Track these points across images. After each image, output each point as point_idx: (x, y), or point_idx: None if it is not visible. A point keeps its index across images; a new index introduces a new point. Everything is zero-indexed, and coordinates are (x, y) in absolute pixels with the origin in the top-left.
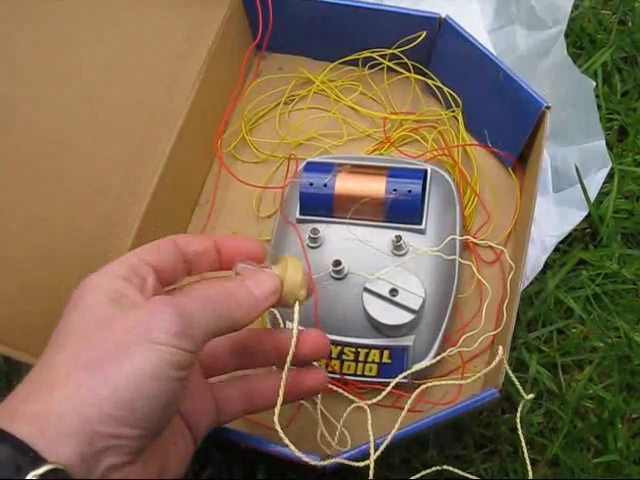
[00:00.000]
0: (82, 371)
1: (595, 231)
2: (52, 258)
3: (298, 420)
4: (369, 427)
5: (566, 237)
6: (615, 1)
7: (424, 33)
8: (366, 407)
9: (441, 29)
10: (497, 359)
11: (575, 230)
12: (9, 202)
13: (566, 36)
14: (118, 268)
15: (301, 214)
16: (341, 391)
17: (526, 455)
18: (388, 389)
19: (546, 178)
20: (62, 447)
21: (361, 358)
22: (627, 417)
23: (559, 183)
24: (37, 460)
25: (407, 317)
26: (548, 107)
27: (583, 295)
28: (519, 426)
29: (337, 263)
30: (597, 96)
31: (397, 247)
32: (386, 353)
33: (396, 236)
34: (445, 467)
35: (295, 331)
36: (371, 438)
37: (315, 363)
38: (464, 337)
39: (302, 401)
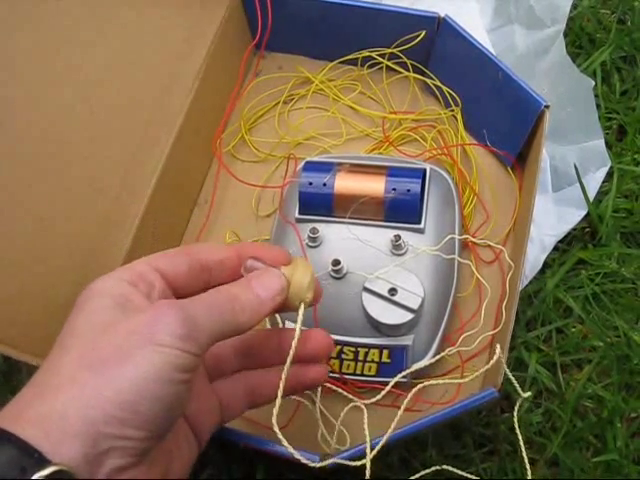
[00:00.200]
0: (86, 373)
1: (594, 230)
2: (51, 258)
3: (297, 419)
4: (365, 427)
5: (565, 236)
6: (614, 0)
7: (423, 32)
8: (363, 406)
9: (440, 28)
10: (495, 357)
11: (574, 229)
12: (8, 202)
13: (565, 35)
14: (125, 273)
15: (300, 213)
16: (340, 390)
17: (524, 454)
18: (387, 388)
19: (545, 177)
20: (66, 448)
21: (360, 357)
22: (626, 416)
23: (558, 182)
24: (42, 461)
25: (406, 316)
26: (547, 106)
27: (582, 294)
28: (517, 425)
29: (336, 262)
30: (596, 95)
31: (396, 246)
32: (385, 352)
33: (395, 235)
34: (444, 467)
35: (297, 332)
36: (367, 438)
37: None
38: (463, 336)
39: (302, 400)
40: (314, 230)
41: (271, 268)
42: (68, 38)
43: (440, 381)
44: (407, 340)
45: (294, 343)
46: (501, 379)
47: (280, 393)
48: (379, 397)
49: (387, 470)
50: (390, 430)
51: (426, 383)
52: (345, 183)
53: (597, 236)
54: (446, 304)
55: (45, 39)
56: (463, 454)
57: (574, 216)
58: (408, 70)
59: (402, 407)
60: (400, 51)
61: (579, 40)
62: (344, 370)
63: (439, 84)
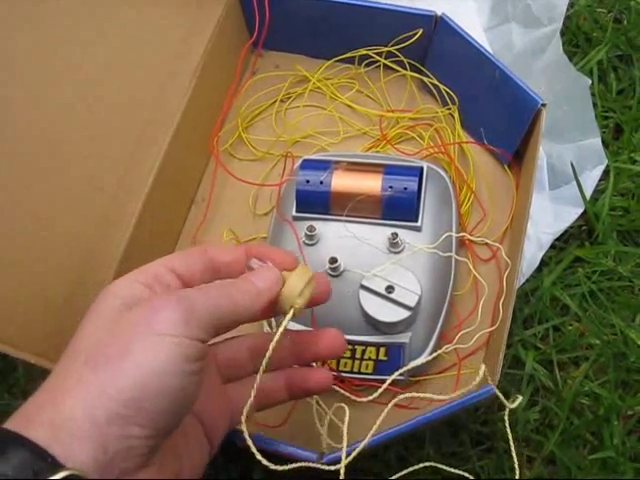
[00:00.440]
0: (90, 373)
1: (591, 228)
2: (49, 256)
3: (295, 417)
4: (345, 428)
5: (562, 234)
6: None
7: (420, 31)
8: (346, 408)
9: (437, 27)
10: (479, 378)
11: (571, 227)
12: (6, 201)
13: (562, 34)
14: (139, 275)
15: (297, 211)
16: (337, 388)
17: (514, 454)
18: (384, 386)
19: (542, 175)
20: (77, 452)
21: (357, 355)
22: (623, 414)
23: (555, 180)
24: (55, 465)
25: (403, 314)
26: (544, 105)
27: (579, 292)
28: (509, 430)
29: (333, 260)
30: (593, 94)
31: (393, 244)
32: (382, 350)
33: (392, 233)
34: (433, 464)
35: (277, 337)
36: (344, 442)
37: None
38: (460, 334)
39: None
40: (311, 228)
41: (270, 265)
42: (67, 38)
43: (433, 385)
44: (404, 338)
45: (271, 346)
46: (498, 377)
47: (254, 392)
48: (376, 395)
49: (384, 467)
50: (372, 431)
51: (417, 381)
52: (342, 181)
53: (594, 234)
54: (443, 302)
55: (44, 38)
56: (460, 452)
57: (571, 214)
58: (405, 68)
59: (390, 404)
60: (397, 49)
61: (576, 39)
62: (341, 368)
63: (436, 82)
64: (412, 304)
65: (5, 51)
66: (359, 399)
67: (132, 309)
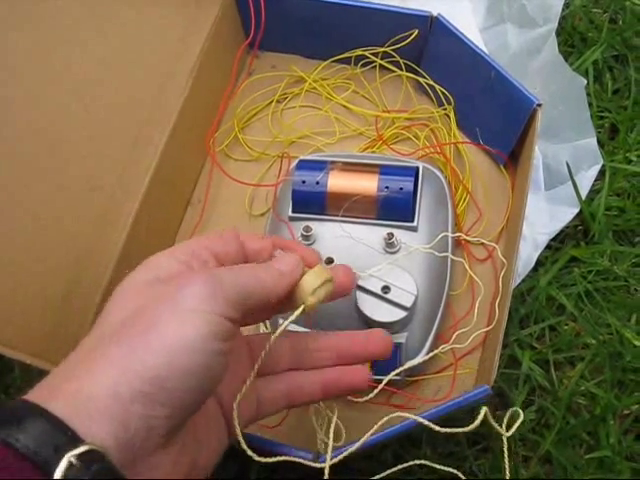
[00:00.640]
0: (115, 348)
1: (587, 228)
2: (45, 256)
3: (293, 418)
4: (331, 430)
5: (558, 234)
6: (606, 0)
7: (416, 31)
8: (330, 413)
9: (433, 27)
10: (477, 422)
11: (567, 227)
12: (4, 201)
13: (557, 34)
14: (178, 251)
15: (294, 212)
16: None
17: (506, 460)
18: (380, 387)
19: (538, 176)
20: (97, 428)
21: None
22: (619, 413)
23: (551, 181)
24: (75, 440)
25: (399, 314)
26: (539, 105)
27: (575, 292)
28: (505, 441)
29: (329, 260)
30: (588, 94)
31: (389, 244)
32: None
33: (388, 233)
34: (422, 462)
35: (278, 333)
36: (330, 441)
37: None
38: (456, 334)
39: None
40: (307, 228)
41: (292, 253)
42: (66, 37)
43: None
44: (400, 338)
45: (273, 337)
46: (494, 376)
47: (245, 388)
48: (372, 395)
49: (380, 467)
50: (367, 434)
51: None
52: (338, 181)
53: (589, 234)
54: (439, 302)
55: (43, 38)
56: (457, 451)
57: (566, 214)
58: (401, 69)
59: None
60: (393, 50)
61: (571, 39)
62: None
63: (432, 83)
64: (408, 304)
65: (4, 51)
66: (355, 399)
67: (165, 282)
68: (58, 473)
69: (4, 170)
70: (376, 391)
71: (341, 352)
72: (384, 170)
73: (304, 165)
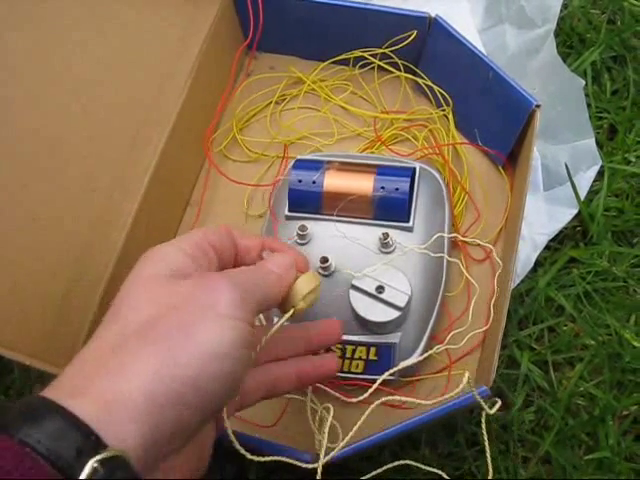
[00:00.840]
0: (149, 348)
1: (585, 229)
2: (44, 257)
3: (288, 416)
4: (325, 430)
5: (557, 235)
6: (604, 0)
7: (414, 32)
8: (324, 411)
9: (431, 28)
10: (461, 386)
11: (565, 228)
12: (3, 201)
13: (556, 35)
14: (183, 242)
15: (290, 211)
16: (327, 389)
17: (488, 456)
18: (374, 387)
19: (536, 176)
20: (126, 429)
21: (348, 354)
22: (618, 414)
23: (549, 181)
24: (98, 444)
25: (393, 314)
26: (538, 106)
27: (574, 293)
28: (486, 438)
29: (324, 260)
30: (587, 95)
31: (384, 244)
32: (372, 350)
33: (383, 233)
34: (408, 462)
35: (273, 330)
36: (324, 441)
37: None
38: (451, 334)
39: (292, 396)
40: (303, 227)
41: (284, 255)
42: (66, 37)
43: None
44: (394, 338)
45: (264, 340)
46: (493, 377)
47: None
48: (366, 395)
49: (379, 468)
50: (351, 432)
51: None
52: (334, 181)
53: (588, 235)
54: (434, 302)
55: (43, 38)
56: (456, 452)
57: (565, 215)
58: (399, 70)
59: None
60: (391, 51)
61: (570, 40)
62: None
63: (430, 84)
64: (402, 304)
65: (4, 51)
66: (348, 399)
67: (185, 282)
68: (83, 477)
69: (4, 170)
70: (370, 391)
71: (309, 342)
72: (380, 170)
73: (301, 164)
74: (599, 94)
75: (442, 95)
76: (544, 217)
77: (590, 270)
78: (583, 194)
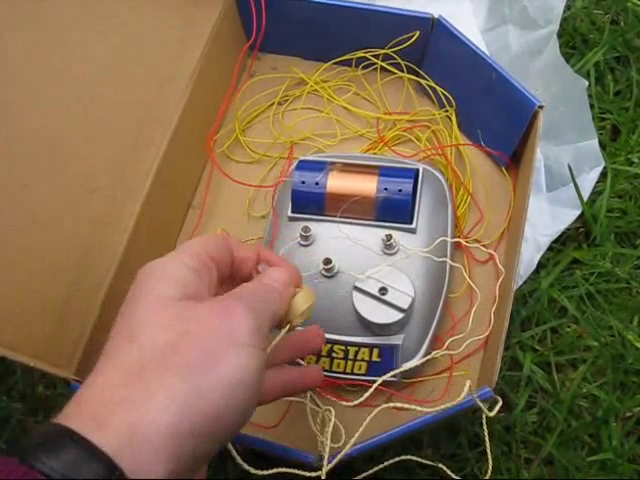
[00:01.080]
0: (172, 379)
1: (588, 230)
2: (45, 259)
3: (289, 418)
4: (328, 432)
5: (559, 236)
6: (607, 1)
7: (417, 33)
8: (325, 410)
9: (434, 29)
10: (464, 393)
11: (568, 229)
12: (3, 202)
13: (559, 36)
14: (184, 255)
15: (293, 212)
16: (327, 395)
17: (489, 455)
18: (374, 387)
19: (539, 177)
20: (151, 461)
21: (351, 356)
22: (621, 415)
23: (552, 182)
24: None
25: (396, 316)
26: (541, 106)
27: (577, 294)
28: (487, 439)
29: (327, 261)
30: (590, 95)
31: (387, 246)
32: (375, 351)
33: (386, 235)
34: (405, 457)
35: (272, 345)
36: (328, 441)
37: (302, 361)
38: (453, 338)
39: (294, 399)
40: (306, 229)
41: (281, 270)
42: (66, 38)
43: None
44: (397, 339)
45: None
46: (496, 378)
47: None
48: (367, 395)
49: (382, 469)
50: (353, 439)
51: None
52: (337, 182)
53: (591, 236)
54: (437, 304)
55: (44, 38)
56: (459, 453)
57: (568, 216)
58: (402, 71)
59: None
60: (394, 52)
61: (573, 40)
62: (334, 368)
63: (433, 85)
64: (405, 306)
65: (4, 51)
66: (346, 403)
67: (200, 306)
68: None
69: (4, 170)
70: (370, 391)
71: (293, 352)
72: (383, 171)
73: (304, 165)
74: (602, 95)
75: (445, 96)
76: (547, 218)
77: (593, 271)
78: (586, 195)
